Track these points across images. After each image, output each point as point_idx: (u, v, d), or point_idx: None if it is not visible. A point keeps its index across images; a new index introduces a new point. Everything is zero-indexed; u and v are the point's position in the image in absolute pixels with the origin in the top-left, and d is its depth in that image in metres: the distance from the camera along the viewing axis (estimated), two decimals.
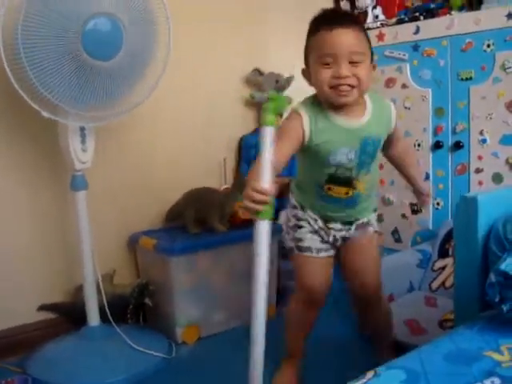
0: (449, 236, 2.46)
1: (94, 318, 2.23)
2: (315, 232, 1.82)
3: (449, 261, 2.42)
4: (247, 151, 2.87)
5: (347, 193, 1.72)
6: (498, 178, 2.44)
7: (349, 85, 1.56)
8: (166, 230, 2.60)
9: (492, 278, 1.22)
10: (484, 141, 2.47)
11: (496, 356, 1.09)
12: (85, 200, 2.16)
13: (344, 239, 1.83)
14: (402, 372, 1.06)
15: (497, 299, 1.22)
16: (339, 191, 1.72)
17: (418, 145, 2.68)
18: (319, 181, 1.73)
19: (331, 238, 1.82)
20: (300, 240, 1.83)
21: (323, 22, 1.59)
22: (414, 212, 2.75)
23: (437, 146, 2.61)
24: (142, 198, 2.64)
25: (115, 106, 2.11)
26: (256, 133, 2.90)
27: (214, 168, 2.86)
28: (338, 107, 1.63)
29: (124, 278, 2.55)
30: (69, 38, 1.82)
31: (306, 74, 1.67)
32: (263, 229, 1.35)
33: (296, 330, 1.95)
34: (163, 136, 2.69)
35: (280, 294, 2.70)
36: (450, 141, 2.60)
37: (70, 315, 2.39)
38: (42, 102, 1.91)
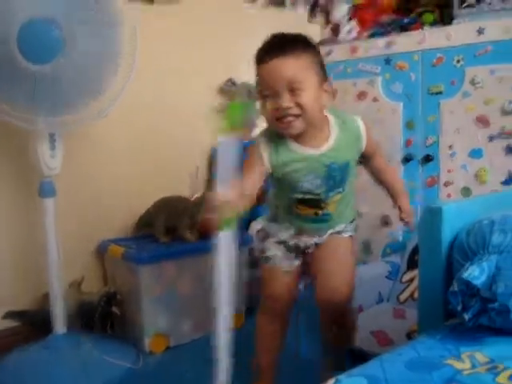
0: (418, 248, 2.48)
1: (60, 326, 2.19)
2: (280, 243, 1.79)
3: (417, 273, 2.43)
4: None
5: (316, 213, 1.71)
6: (466, 192, 2.47)
7: (292, 115, 1.51)
8: (136, 239, 2.58)
9: (455, 286, 1.23)
10: (453, 154, 2.51)
11: (457, 364, 1.10)
12: (53, 207, 2.13)
13: (316, 244, 1.79)
14: (363, 379, 1.05)
15: (459, 308, 1.23)
16: (308, 211, 1.71)
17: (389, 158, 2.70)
18: (288, 203, 1.72)
19: (302, 245, 1.79)
20: (264, 251, 1.82)
21: (261, 54, 1.54)
22: (385, 224, 2.77)
23: (407, 158, 2.64)
24: (112, 205, 2.61)
25: (78, 111, 2.06)
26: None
27: (186, 177, 2.84)
28: (297, 136, 1.59)
29: (92, 287, 2.51)
30: (5, 40, 1.80)
31: None
32: (223, 239, 1.38)
33: (262, 345, 1.89)
34: (134, 145, 2.67)
35: (249, 304, 2.69)
36: (420, 154, 2.63)
37: (36, 323, 2.34)
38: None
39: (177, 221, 2.48)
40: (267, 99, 1.52)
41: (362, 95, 2.84)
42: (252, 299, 2.71)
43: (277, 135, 1.61)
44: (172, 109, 2.78)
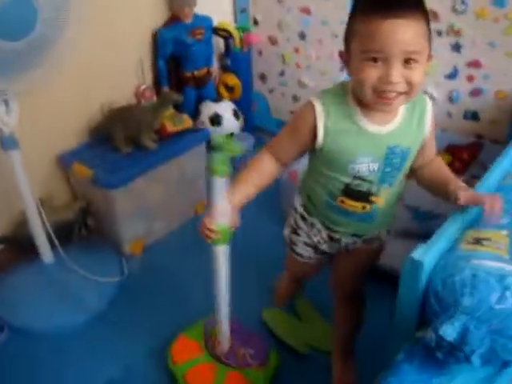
0: None
1: (45, 250, 2.32)
2: (310, 245, 1.67)
3: None
4: (163, 47, 2.74)
5: (364, 207, 1.47)
6: None
7: (398, 91, 1.24)
8: (95, 149, 2.55)
9: (432, 337, 1.44)
10: None
11: None
12: (20, 160, 2.09)
13: (347, 248, 1.64)
14: None
15: (433, 345, 1.42)
16: (354, 205, 1.47)
17: None
18: (331, 191, 1.47)
19: (333, 251, 1.67)
20: (294, 244, 1.71)
21: (375, 4, 1.19)
22: None
23: None
24: (63, 114, 2.50)
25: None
26: (171, 25, 2.74)
27: (132, 67, 2.72)
28: (367, 106, 1.32)
29: (58, 200, 2.55)
30: None
31: (344, 58, 1.31)
32: (219, 253, 1.51)
33: (280, 290, 2.14)
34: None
35: None
36: None
37: (23, 246, 2.40)
38: None
39: (135, 130, 2.47)
40: (369, 63, 1.22)
41: None
42: None
43: (343, 97, 1.36)
44: None
